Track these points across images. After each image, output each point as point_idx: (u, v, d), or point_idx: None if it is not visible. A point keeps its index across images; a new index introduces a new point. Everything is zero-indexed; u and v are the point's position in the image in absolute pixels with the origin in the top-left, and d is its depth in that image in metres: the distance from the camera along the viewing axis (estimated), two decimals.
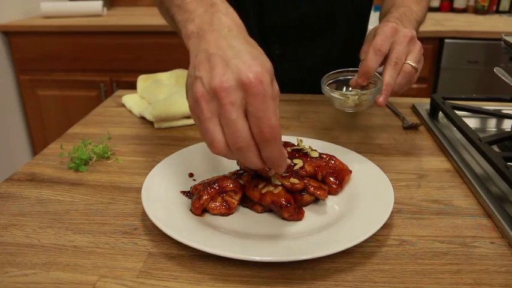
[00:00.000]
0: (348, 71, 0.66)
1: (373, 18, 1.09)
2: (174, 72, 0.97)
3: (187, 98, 0.45)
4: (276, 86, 0.45)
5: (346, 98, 0.62)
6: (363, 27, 1.04)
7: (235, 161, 0.61)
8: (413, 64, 0.61)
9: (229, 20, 0.45)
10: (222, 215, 0.52)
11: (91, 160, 0.67)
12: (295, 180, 0.53)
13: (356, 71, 0.63)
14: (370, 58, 0.60)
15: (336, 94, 0.62)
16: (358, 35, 1.04)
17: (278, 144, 0.42)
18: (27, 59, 2.11)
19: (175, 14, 0.51)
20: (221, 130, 0.42)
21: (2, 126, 2.10)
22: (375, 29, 0.64)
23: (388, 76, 0.60)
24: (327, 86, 0.65)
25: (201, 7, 0.47)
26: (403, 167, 0.66)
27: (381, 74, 0.61)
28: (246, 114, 0.41)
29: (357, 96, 0.62)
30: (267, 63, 0.42)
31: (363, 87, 0.63)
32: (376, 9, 1.99)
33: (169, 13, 0.54)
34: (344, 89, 0.67)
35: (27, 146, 2.30)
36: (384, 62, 0.61)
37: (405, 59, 0.61)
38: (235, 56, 0.41)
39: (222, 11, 0.46)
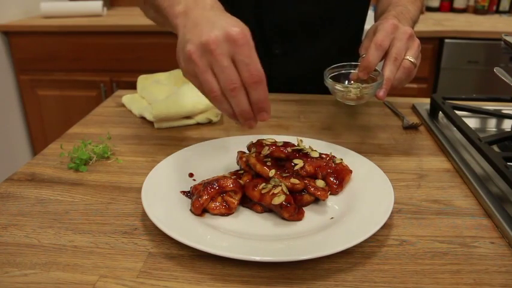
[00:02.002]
0: (350, 65, 0.68)
1: (371, 17, 1.09)
2: (174, 72, 0.97)
3: (179, 63, 0.51)
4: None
5: (348, 90, 0.64)
6: (361, 26, 1.04)
7: (235, 161, 0.61)
8: (412, 60, 0.62)
9: (211, 1, 0.53)
10: (222, 215, 0.52)
11: (91, 160, 0.67)
12: (296, 181, 0.53)
13: (357, 65, 0.64)
14: (371, 53, 0.61)
15: (338, 86, 0.65)
16: (356, 34, 1.04)
17: (265, 86, 0.49)
18: (27, 59, 2.11)
19: (160, 2, 0.58)
20: (216, 79, 0.48)
21: (2, 126, 2.10)
22: (376, 26, 0.66)
23: (388, 71, 0.61)
24: (329, 78, 0.67)
25: None
26: (403, 167, 0.66)
27: (380, 69, 0.63)
28: (234, 63, 0.47)
29: (358, 89, 0.63)
30: (247, 28, 0.48)
31: (363, 81, 0.65)
32: (374, 9, 1.99)
33: (154, 4, 0.61)
34: (346, 82, 0.68)
35: (27, 146, 2.30)
36: (384, 57, 0.63)
37: (404, 55, 0.62)
38: (220, 20, 0.48)
39: None
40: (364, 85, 0.63)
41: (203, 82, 0.49)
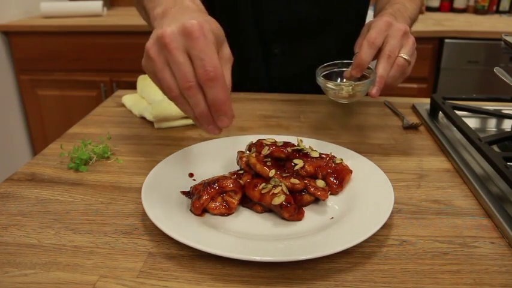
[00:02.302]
0: (343, 63, 0.68)
1: (370, 17, 1.09)
2: None
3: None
4: (227, 50, 0.49)
5: (340, 88, 0.64)
6: (361, 26, 1.04)
7: (235, 161, 0.61)
8: (406, 57, 0.61)
9: (190, 2, 0.51)
10: (222, 215, 0.52)
11: (91, 160, 0.67)
12: (296, 181, 0.53)
13: (350, 63, 0.64)
14: (364, 51, 0.61)
15: (330, 84, 0.64)
16: (356, 33, 1.04)
17: (222, 85, 0.44)
18: (27, 59, 2.11)
19: (146, 4, 0.57)
20: (174, 77, 0.46)
21: (2, 126, 2.10)
22: (369, 23, 0.65)
23: (382, 69, 0.60)
24: (321, 76, 0.66)
25: None
26: (403, 167, 0.66)
27: (374, 67, 0.62)
28: (190, 59, 0.44)
29: (350, 87, 0.63)
30: (215, 23, 0.47)
31: (356, 79, 0.64)
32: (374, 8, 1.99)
33: (142, 5, 0.60)
34: (338, 80, 0.68)
35: (27, 146, 2.30)
36: (377, 55, 0.62)
37: (398, 52, 0.62)
38: (184, 16, 0.46)
39: None
40: (357, 82, 0.63)
41: (161, 80, 0.47)
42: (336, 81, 0.67)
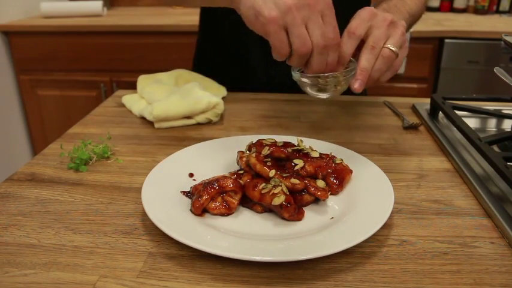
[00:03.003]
0: None
1: None
2: (174, 72, 0.97)
3: (259, 15, 0.52)
4: None
5: (316, 81, 0.58)
6: None
7: (235, 161, 0.61)
8: (392, 48, 0.56)
9: None
10: (222, 215, 0.52)
11: (91, 160, 0.67)
12: (296, 181, 0.53)
13: None
14: (343, 42, 0.56)
15: (305, 79, 0.58)
16: None
17: (338, 50, 0.54)
18: (27, 59, 2.11)
19: None
20: (308, 34, 0.51)
21: (2, 126, 2.10)
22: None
23: (364, 60, 0.56)
24: (297, 71, 0.60)
25: None
26: (403, 167, 0.66)
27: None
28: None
29: (329, 79, 0.57)
30: None
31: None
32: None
33: None
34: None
35: (27, 146, 2.30)
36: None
37: (384, 44, 0.57)
38: None
39: None
40: (333, 74, 0.57)
41: (298, 35, 0.51)
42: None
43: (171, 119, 0.80)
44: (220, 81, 0.98)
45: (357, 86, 0.55)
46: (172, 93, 0.84)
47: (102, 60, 2.07)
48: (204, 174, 0.59)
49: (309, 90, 0.60)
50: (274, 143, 0.58)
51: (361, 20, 0.57)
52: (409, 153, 0.71)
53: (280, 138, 0.62)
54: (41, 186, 0.60)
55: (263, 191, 0.51)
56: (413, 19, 0.74)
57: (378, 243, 0.49)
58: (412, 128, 0.80)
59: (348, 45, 0.56)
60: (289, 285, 0.43)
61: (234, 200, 0.53)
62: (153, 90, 0.88)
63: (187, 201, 0.54)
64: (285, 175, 0.54)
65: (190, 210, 0.52)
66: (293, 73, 0.59)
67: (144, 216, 0.52)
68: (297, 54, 0.53)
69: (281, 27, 0.51)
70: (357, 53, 0.58)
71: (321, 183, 0.54)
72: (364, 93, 1.09)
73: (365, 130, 0.80)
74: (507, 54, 1.86)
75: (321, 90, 0.59)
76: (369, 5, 1.01)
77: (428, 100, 0.87)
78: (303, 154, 0.57)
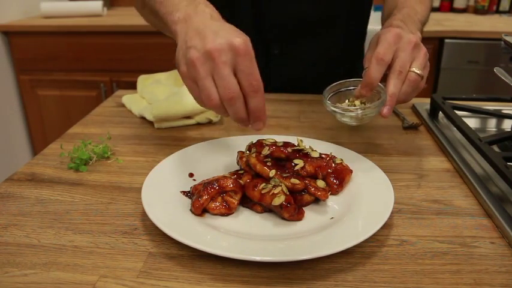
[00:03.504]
0: (350, 82, 0.64)
1: (373, 17, 1.09)
2: (174, 72, 0.97)
3: (178, 69, 0.52)
4: None
5: (349, 112, 0.60)
6: (363, 27, 1.04)
7: (235, 161, 0.61)
8: (418, 72, 0.59)
9: (210, 10, 0.54)
10: (222, 215, 0.52)
11: (91, 160, 0.67)
12: (296, 181, 0.53)
13: (359, 81, 0.61)
14: (372, 69, 0.58)
15: (337, 109, 0.60)
16: (357, 34, 1.04)
17: (262, 97, 0.50)
18: (27, 59, 2.11)
19: (159, 9, 0.59)
20: (215, 86, 0.49)
21: (2, 126, 2.10)
22: (378, 35, 0.62)
23: (392, 86, 0.58)
24: (329, 99, 0.63)
25: (184, 1, 0.56)
26: (403, 167, 0.66)
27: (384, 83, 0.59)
28: (235, 73, 0.49)
29: (360, 111, 0.59)
30: (249, 39, 0.50)
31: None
32: (376, 9, 1.99)
33: (153, 9, 0.62)
34: (347, 101, 0.65)
35: (27, 146, 2.30)
36: (388, 69, 0.59)
37: (410, 67, 0.59)
38: (222, 30, 0.50)
39: (203, 3, 0.55)
40: (366, 106, 0.59)
41: (202, 88, 0.50)
42: (345, 101, 0.64)
43: (171, 119, 0.80)
44: None
45: (385, 111, 0.57)
46: (172, 93, 0.84)
47: (102, 60, 2.07)
48: (204, 174, 0.59)
49: (340, 118, 0.63)
50: (274, 143, 0.58)
51: (388, 44, 0.59)
52: (409, 153, 0.71)
53: (280, 138, 0.62)
54: (41, 186, 0.60)
55: (263, 191, 0.51)
56: (423, 26, 0.75)
57: (377, 243, 0.49)
58: (412, 128, 0.80)
59: (377, 72, 0.58)
60: (289, 285, 0.43)
61: (234, 200, 0.53)
62: (153, 90, 0.88)
63: (187, 201, 0.54)
64: (285, 175, 0.54)
65: (190, 210, 0.52)
66: (325, 101, 0.62)
67: (144, 216, 0.52)
68: (208, 107, 0.51)
69: (192, 81, 0.51)
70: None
71: (321, 183, 0.54)
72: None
73: (365, 130, 0.80)
74: (507, 54, 1.86)
75: (352, 119, 0.62)
76: (369, 8, 1.02)
77: (428, 100, 0.87)
78: (303, 154, 0.57)
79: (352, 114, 0.60)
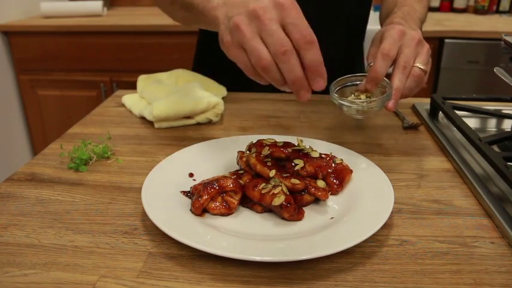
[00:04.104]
0: (356, 77, 0.65)
1: (372, 17, 1.09)
2: (174, 72, 0.97)
3: (222, 45, 0.51)
4: None
5: (355, 105, 0.61)
6: (362, 27, 1.04)
7: (235, 161, 0.61)
8: (422, 67, 0.60)
9: None
10: (222, 215, 0.52)
11: (91, 160, 0.67)
12: (296, 181, 0.53)
13: (364, 76, 0.62)
14: (378, 64, 0.59)
15: (345, 102, 0.61)
16: (357, 34, 1.04)
17: (317, 47, 0.47)
18: (27, 59, 2.11)
19: (193, 0, 0.59)
20: (265, 46, 0.47)
21: (2, 126, 2.10)
22: (382, 32, 0.63)
23: (397, 81, 0.59)
24: (336, 92, 0.63)
25: None
26: (403, 167, 0.66)
27: (389, 77, 0.60)
28: (283, 28, 0.46)
29: (365, 103, 0.61)
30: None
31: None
32: (376, 8, 1.99)
33: (185, 2, 0.62)
34: (353, 95, 0.65)
35: (27, 146, 2.30)
36: (392, 65, 0.61)
37: (414, 62, 0.60)
38: None
39: None
40: (372, 99, 0.61)
41: (251, 50, 0.47)
42: (350, 96, 0.64)
43: (171, 119, 0.80)
44: (220, 81, 0.98)
45: (390, 105, 0.58)
46: (172, 93, 0.84)
47: (102, 60, 2.07)
48: (204, 174, 0.59)
49: (346, 111, 0.63)
50: (274, 143, 0.58)
51: (393, 40, 0.60)
52: (409, 153, 0.71)
53: (280, 138, 0.62)
54: (41, 186, 0.60)
55: (263, 191, 0.51)
56: (422, 24, 0.76)
57: (378, 243, 0.49)
58: (412, 128, 0.80)
59: (383, 67, 0.59)
60: (289, 285, 0.43)
61: (234, 200, 0.53)
62: (153, 90, 0.88)
63: (187, 201, 0.54)
64: (285, 175, 0.54)
65: (190, 210, 0.52)
66: (332, 94, 0.62)
67: (144, 216, 0.52)
68: (259, 70, 0.48)
69: (238, 48, 0.49)
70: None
71: (321, 183, 0.54)
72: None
73: (365, 130, 0.80)
74: (507, 54, 1.85)
75: (358, 111, 0.62)
76: (368, 10, 1.02)
77: (428, 100, 0.87)
78: (303, 154, 0.57)
79: (359, 107, 0.61)
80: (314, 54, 0.47)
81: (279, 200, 0.50)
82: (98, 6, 2.22)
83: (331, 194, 0.56)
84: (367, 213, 0.51)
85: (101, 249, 0.47)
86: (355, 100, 0.62)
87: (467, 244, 0.49)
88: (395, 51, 0.60)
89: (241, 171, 0.58)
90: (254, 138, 0.63)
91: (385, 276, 0.44)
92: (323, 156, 0.58)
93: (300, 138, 0.62)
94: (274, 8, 0.46)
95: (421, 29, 0.74)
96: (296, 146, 0.59)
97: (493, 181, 0.60)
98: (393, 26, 0.62)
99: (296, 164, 0.55)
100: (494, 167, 0.58)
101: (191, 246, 0.44)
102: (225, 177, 0.54)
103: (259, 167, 0.55)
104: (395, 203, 0.53)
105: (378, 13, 0.94)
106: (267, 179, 0.54)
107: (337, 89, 0.64)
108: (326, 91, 0.69)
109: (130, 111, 0.88)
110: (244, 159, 0.57)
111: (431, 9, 2.43)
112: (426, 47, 0.62)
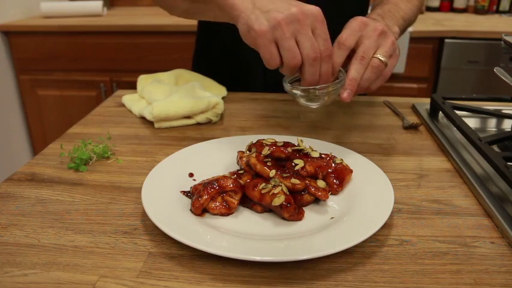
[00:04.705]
0: None
1: None
2: (174, 72, 0.97)
3: (249, 31, 0.55)
4: None
5: (306, 92, 0.60)
6: None
7: (235, 161, 0.61)
8: (381, 58, 0.58)
9: None
10: (222, 215, 0.52)
11: (91, 160, 0.67)
12: (296, 181, 0.53)
13: None
14: (334, 52, 0.58)
15: (296, 90, 0.60)
16: None
17: (331, 62, 0.56)
18: (27, 59, 2.11)
19: None
20: (297, 46, 0.54)
21: (2, 126, 2.10)
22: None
23: (353, 70, 0.57)
24: (290, 83, 0.62)
25: None
26: (403, 167, 0.66)
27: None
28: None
29: (317, 91, 0.59)
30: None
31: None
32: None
33: None
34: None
35: (27, 146, 2.30)
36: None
37: (374, 53, 0.58)
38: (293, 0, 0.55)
39: None
40: (323, 85, 0.58)
41: (288, 49, 0.53)
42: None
43: (171, 119, 0.80)
44: (220, 81, 0.98)
45: (345, 95, 0.57)
46: (172, 93, 0.84)
47: (102, 60, 2.07)
48: (204, 174, 0.59)
49: (299, 100, 0.63)
50: (274, 143, 0.58)
51: (351, 30, 0.59)
52: (409, 153, 0.71)
53: (280, 138, 0.62)
54: (41, 186, 0.60)
55: (263, 191, 0.51)
56: (407, 24, 0.75)
57: (378, 243, 0.49)
58: (412, 128, 0.80)
59: (338, 56, 0.58)
60: (289, 285, 0.43)
61: (234, 200, 0.53)
62: (153, 90, 0.88)
63: (187, 201, 0.54)
64: (285, 175, 0.54)
65: (190, 210, 0.52)
66: (284, 85, 0.62)
67: (144, 216, 0.52)
68: (287, 66, 0.55)
69: (270, 41, 0.54)
70: (347, 62, 0.60)
71: (321, 183, 0.54)
72: (364, 93, 1.09)
73: (365, 130, 0.80)
74: (507, 54, 1.86)
75: (311, 100, 0.62)
76: (366, 10, 1.02)
77: (428, 100, 0.87)
78: (303, 154, 0.57)
79: (310, 95, 0.60)
80: (329, 67, 0.56)
81: (279, 200, 0.50)
82: (97, 6, 2.22)
83: (331, 194, 0.56)
84: (367, 213, 0.51)
85: (101, 249, 0.47)
86: (307, 88, 0.59)
87: (467, 244, 0.49)
88: (352, 41, 0.58)
89: (241, 171, 0.58)
90: (254, 138, 0.63)
91: (385, 276, 0.44)
92: (323, 156, 0.58)
93: (300, 138, 0.62)
94: (311, 16, 0.53)
95: (403, 27, 0.73)
96: (296, 146, 0.59)
97: (493, 181, 0.60)
98: (355, 18, 0.60)
99: (296, 164, 0.55)
100: (494, 167, 0.58)
101: (191, 246, 0.44)
102: (225, 177, 0.54)
103: (259, 167, 0.55)
104: (395, 203, 0.53)
105: None
106: (267, 179, 0.54)
107: (292, 79, 0.63)
108: None
109: (130, 111, 0.88)
110: (244, 159, 0.57)
111: (432, 9, 2.43)
112: (390, 39, 0.60)
